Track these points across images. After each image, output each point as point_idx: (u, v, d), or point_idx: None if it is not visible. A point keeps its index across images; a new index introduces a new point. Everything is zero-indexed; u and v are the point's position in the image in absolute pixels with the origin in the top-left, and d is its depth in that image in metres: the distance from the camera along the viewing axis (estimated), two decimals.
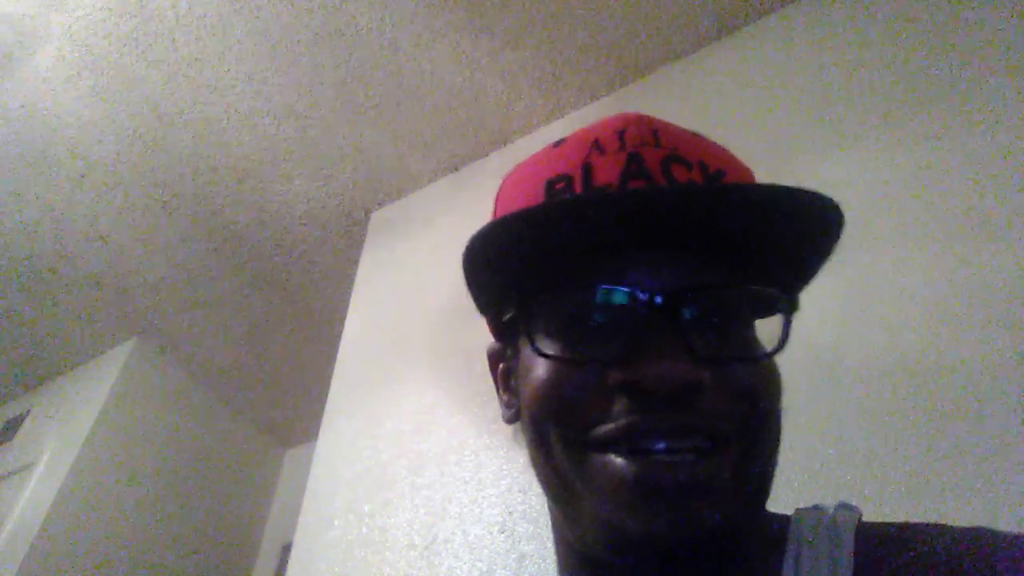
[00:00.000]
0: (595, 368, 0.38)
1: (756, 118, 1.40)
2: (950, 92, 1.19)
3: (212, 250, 2.09)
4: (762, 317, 0.42)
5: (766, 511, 0.44)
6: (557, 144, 0.46)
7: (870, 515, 0.44)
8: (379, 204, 1.98)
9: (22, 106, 1.79)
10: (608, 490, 0.36)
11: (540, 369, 0.40)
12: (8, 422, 2.41)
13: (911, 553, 0.36)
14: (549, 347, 0.40)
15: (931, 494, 0.84)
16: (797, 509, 0.44)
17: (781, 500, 0.45)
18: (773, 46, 1.50)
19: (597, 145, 0.43)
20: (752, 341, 0.41)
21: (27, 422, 2.36)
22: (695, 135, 0.45)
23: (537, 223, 0.39)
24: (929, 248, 1.04)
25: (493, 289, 0.45)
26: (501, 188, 0.48)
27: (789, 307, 0.40)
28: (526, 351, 0.42)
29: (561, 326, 0.40)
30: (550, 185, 0.42)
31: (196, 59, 1.70)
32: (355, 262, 1.91)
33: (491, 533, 1.13)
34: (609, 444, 0.36)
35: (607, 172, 0.40)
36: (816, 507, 0.44)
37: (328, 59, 1.69)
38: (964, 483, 0.82)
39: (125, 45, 1.68)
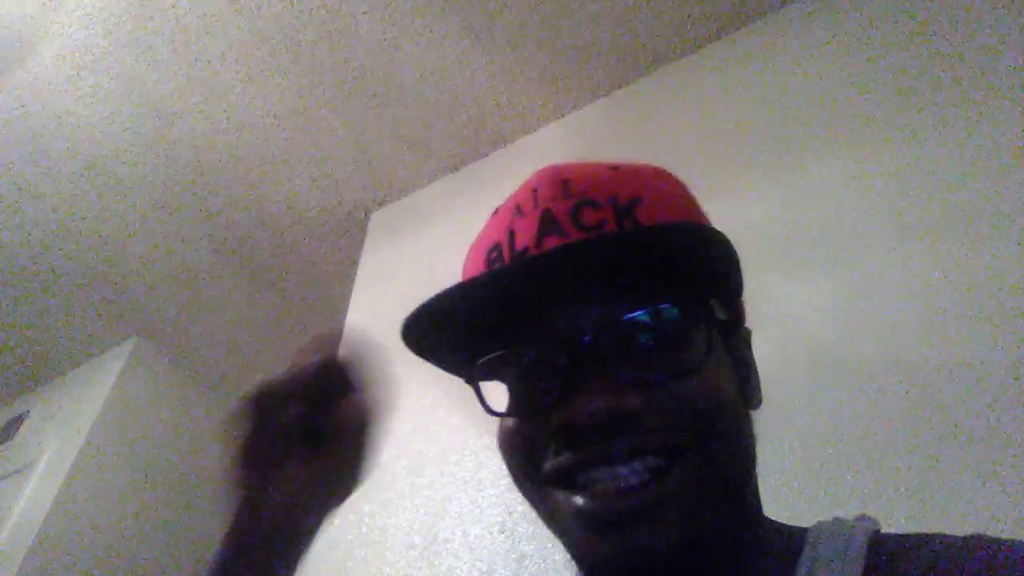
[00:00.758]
0: (540, 417, 0.41)
1: (756, 118, 1.40)
2: (950, 92, 1.19)
3: (212, 250, 2.09)
4: (700, 325, 0.43)
5: (776, 523, 0.45)
6: (495, 213, 0.50)
7: (870, 515, 0.45)
8: (379, 204, 1.98)
9: (22, 106, 1.79)
10: (564, 523, 0.40)
11: (502, 422, 0.45)
12: (8, 422, 2.41)
13: (916, 562, 0.37)
14: (511, 399, 0.45)
15: (931, 494, 0.84)
16: (818, 521, 0.45)
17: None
18: (772, 46, 1.50)
19: (518, 209, 0.46)
20: (686, 355, 0.42)
21: (27, 422, 2.35)
22: (613, 168, 0.47)
23: (446, 309, 0.43)
24: (928, 248, 1.04)
25: (445, 360, 0.49)
26: (463, 261, 0.52)
27: (707, 319, 0.43)
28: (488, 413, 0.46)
29: (515, 380, 0.45)
30: (488, 254, 0.46)
31: (196, 59, 1.70)
32: (355, 262, 1.91)
33: (491, 533, 1.13)
34: (563, 479, 0.40)
35: (525, 234, 0.44)
36: (836, 519, 0.45)
37: (328, 59, 1.69)
38: (964, 482, 0.82)
39: (125, 45, 1.68)
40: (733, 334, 0.47)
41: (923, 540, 0.40)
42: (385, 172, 1.91)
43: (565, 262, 0.40)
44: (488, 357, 0.44)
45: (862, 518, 0.44)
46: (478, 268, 0.47)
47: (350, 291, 1.84)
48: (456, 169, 1.89)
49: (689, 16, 1.58)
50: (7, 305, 2.22)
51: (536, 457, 0.41)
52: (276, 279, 2.17)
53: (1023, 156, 1.05)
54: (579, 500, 0.38)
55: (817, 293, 1.08)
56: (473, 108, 1.77)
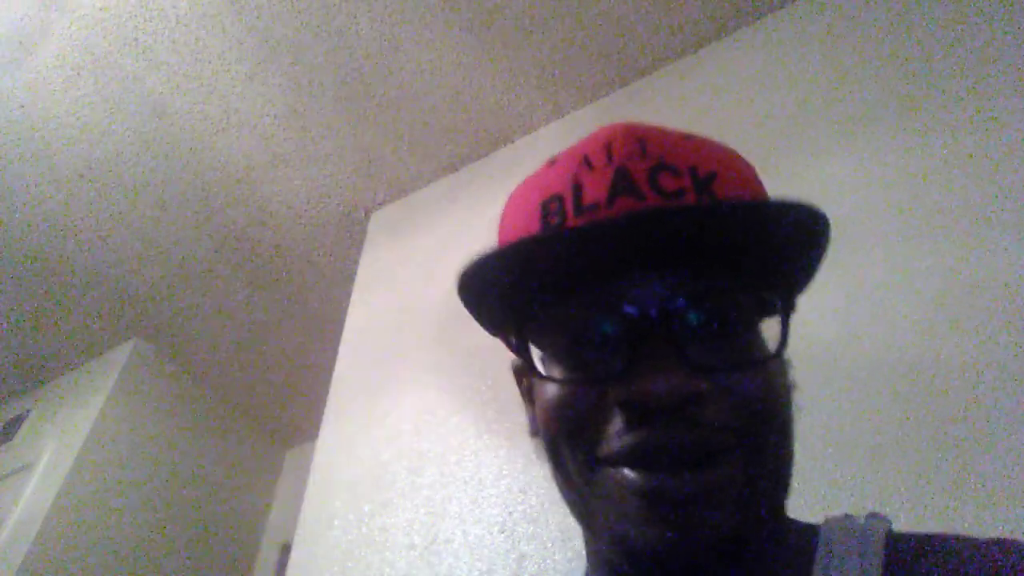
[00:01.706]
0: (596, 386, 0.39)
1: (756, 118, 1.40)
2: (949, 92, 1.19)
3: (212, 250, 2.09)
4: (760, 320, 0.42)
5: (791, 519, 0.44)
6: (551, 162, 0.46)
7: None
8: (379, 204, 1.98)
9: (22, 106, 1.79)
10: (617, 501, 0.37)
11: (547, 391, 0.41)
12: (8, 422, 2.41)
13: (940, 563, 0.37)
14: (555, 368, 0.42)
15: (931, 493, 0.84)
16: (826, 518, 0.44)
17: (825, 515, 0.45)
18: (773, 47, 1.50)
19: (586, 161, 0.43)
20: (753, 346, 0.41)
21: (27, 422, 2.35)
22: (687, 137, 0.45)
23: (519, 258, 0.40)
24: (928, 248, 1.04)
25: (493, 315, 0.46)
26: (504, 208, 0.49)
27: (784, 310, 0.40)
28: (536, 377, 0.43)
29: (564, 347, 0.41)
30: (544, 206, 0.43)
31: (196, 59, 1.70)
32: (355, 262, 1.91)
33: (491, 533, 1.13)
34: (616, 461, 0.37)
35: (595, 190, 0.41)
36: (846, 516, 0.44)
37: (328, 59, 1.69)
38: (964, 482, 0.82)
39: (125, 45, 1.68)
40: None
41: (943, 541, 0.39)
42: (385, 172, 1.91)
43: (649, 227, 0.38)
44: (547, 314, 0.41)
45: (873, 515, 0.43)
46: (530, 218, 0.43)
47: (350, 291, 1.84)
48: (456, 169, 1.89)
49: (689, 16, 1.58)
50: (7, 305, 2.22)
51: (586, 431, 0.39)
52: (276, 279, 2.17)
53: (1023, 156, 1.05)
54: (639, 478, 0.36)
55: (817, 293, 1.08)
56: (473, 108, 1.77)
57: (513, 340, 0.45)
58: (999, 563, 0.35)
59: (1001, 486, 0.80)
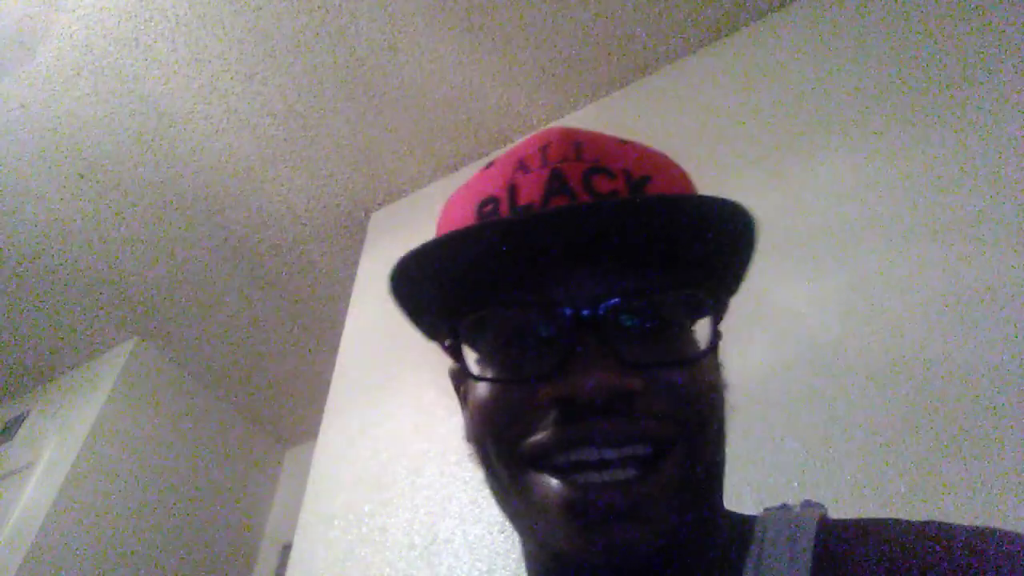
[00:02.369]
0: (528, 384, 0.38)
1: (755, 118, 1.40)
2: (950, 92, 1.19)
3: (212, 250, 2.09)
4: (692, 321, 0.42)
5: (729, 512, 0.44)
6: (487, 166, 0.47)
7: (872, 514, 0.44)
8: (379, 204, 1.98)
9: (22, 106, 1.79)
10: (542, 512, 0.37)
11: (478, 390, 0.41)
12: (8, 422, 2.41)
13: (869, 546, 0.37)
14: (487, 368, 0.41)
15: (931, 493, 0.84)
16: (764, 509, 0.44)
17: (780, 500, 0.46)
18: (772, 47, 1.50)
19: (522, 164, 0.43)
20: (685, 345, 0.41)
21: (27, 422, 2.36)
22: (623, 142, 0.45)
23: (453, 249, 0.40)
24: (928, 248, 1.04)
25: (428, 318, 0.46)
26: (441, 213, 0.49)
27: (715, 309, 0.41)
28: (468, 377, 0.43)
29: (496, 346, 0.41)
30: (480, 207, 0.43)
31: (196, 59, 1.70)
32: (355, 262, 1.91)
33: (491, 533, 1.13)
34: (542, 459, 0.37)
35: (530, 191, 0.41)
36: (783, 506, 0.44)
37: (328, 59, 1.69)
38: (964, 482, 0.82)
39: (125, 45, 1.68)
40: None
41: (876, 524, 0.39)
42: (385, 172, 1.91)
43: (577, 223, 0.38)
44: (478, 314, 0.41)
45: (808, 503, 0.44)
46: (465, 220, 0.43)
47: (350, 291, 1.84)
48: (456, 169, 1.89)
49: (689, 16, 1.58)
50: (7, 305, 2.22)
51: (516, 430, 0.38)
52: (276, 279, 2.17)
53: None
54: (563, 489, 0.36)
55: (817, 293, 1.08)
56: (473, 108, 1.77)
57: (447, 342, 0.45)
58: (932, 545, 0.35)
59: (1001, 486, 0.80)
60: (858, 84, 1.31)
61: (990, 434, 0.84)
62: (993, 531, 0.36)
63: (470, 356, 0.43)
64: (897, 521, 0.39)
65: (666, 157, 0.46)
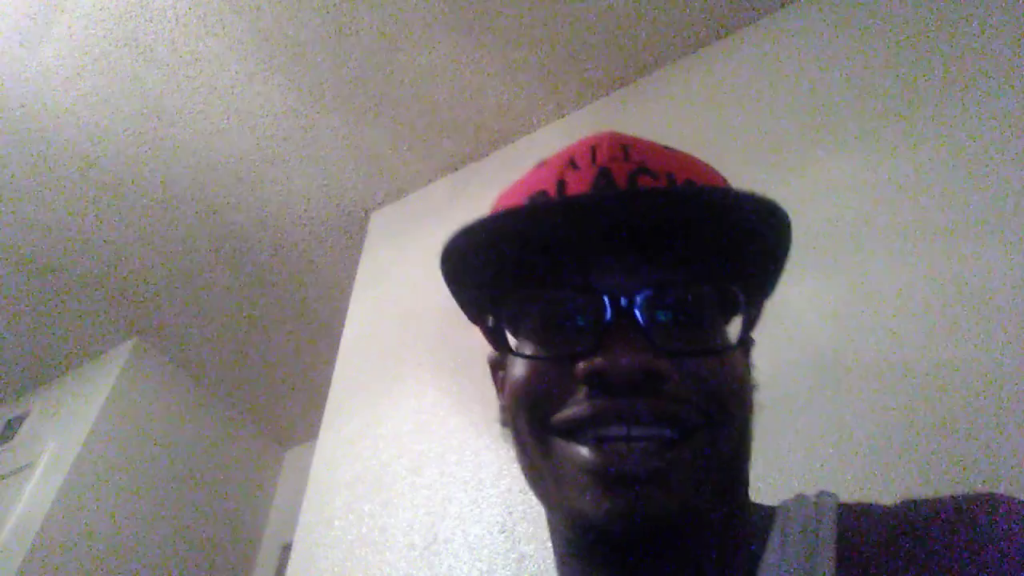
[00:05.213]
0: (564, 362, 0.40)
1: (755, 119, 1.40)
2: (950, 93, 1.19)
3: (212, 250, 2.09)
4: (726, 316, 0.45)
5: (754, 504, 0.46)
6: (539, 165, 0.50)
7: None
8: (379, 204, 1.98)
9: (22, 106, 1.79)
10: (569, 476, 0.39)
11: (517, 368, 0.44)
12: (8, 422, 2.42)
13: (890, 525, 0.40)
14: (526, 348, 0.44)
15: (931, 493, 0.84)
16: (781, 501, 0.46)
17: (781, 500, 0.46)
18: (772, 47, 1.50)
19: (572, 162, 0.46)
20: (716, 339, 0.43)
21: (27, 422, 2.36)
22: (667, 149, 0.48)
23: (502, 223, 0.42)
24: (928, 249, 1.04)
25: (473, 294, 0.49)
26: (493, 203, 0.52)
27: (748, 306, 0.43)
28: (508, 354, 0.46)
29: (536, 328, 0.44)
30: (530, 199, 0.46)
31: (196, 59, 1.70)
32: (355, 262, 1.91)
33: (491, 533, 1.13)
34: (573, 430, 0.39)
35: (578, 186, 0.44)
36: (799, 496, 0.46)
37: (328, 59, 1.69)
38: (964, 482, 0.82)
39: (125, 45, 1.68)
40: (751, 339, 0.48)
41: (893, 507, 0.42)
42: (385, 172, 1.91)
43: (622, 209, 0.40)
44: (520, 293, 0.44)
45: (823, 493, 0.46)
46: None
47: (350, 291, 1.84)
48: (456, 169, 1.89)
49: (689, 16, 1.58)
50: (7, 305, 2.22)
51: (549, 404, 0.41)
52: (276, 279, 2.17)
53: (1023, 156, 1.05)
54: (590, 453, 0.38)
55: (818, 295, 1.08)
56: (473, 108, 1.77)
57: (490, 323, 0.47)
58: (941, 516, 0.38)
59: (1002, 487, 0.80)
60: (858, 84, 1.31)
61: (991, 435, 0.84)
62: (998, 499, 0.39)
63: (510, 340, 0.46)
64: (910, 500, 0.42)
65: (708, 165, 0.49)
